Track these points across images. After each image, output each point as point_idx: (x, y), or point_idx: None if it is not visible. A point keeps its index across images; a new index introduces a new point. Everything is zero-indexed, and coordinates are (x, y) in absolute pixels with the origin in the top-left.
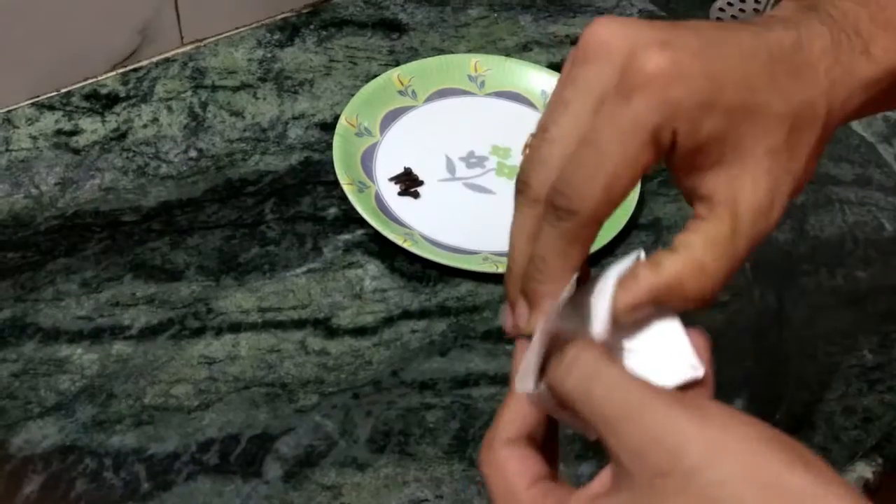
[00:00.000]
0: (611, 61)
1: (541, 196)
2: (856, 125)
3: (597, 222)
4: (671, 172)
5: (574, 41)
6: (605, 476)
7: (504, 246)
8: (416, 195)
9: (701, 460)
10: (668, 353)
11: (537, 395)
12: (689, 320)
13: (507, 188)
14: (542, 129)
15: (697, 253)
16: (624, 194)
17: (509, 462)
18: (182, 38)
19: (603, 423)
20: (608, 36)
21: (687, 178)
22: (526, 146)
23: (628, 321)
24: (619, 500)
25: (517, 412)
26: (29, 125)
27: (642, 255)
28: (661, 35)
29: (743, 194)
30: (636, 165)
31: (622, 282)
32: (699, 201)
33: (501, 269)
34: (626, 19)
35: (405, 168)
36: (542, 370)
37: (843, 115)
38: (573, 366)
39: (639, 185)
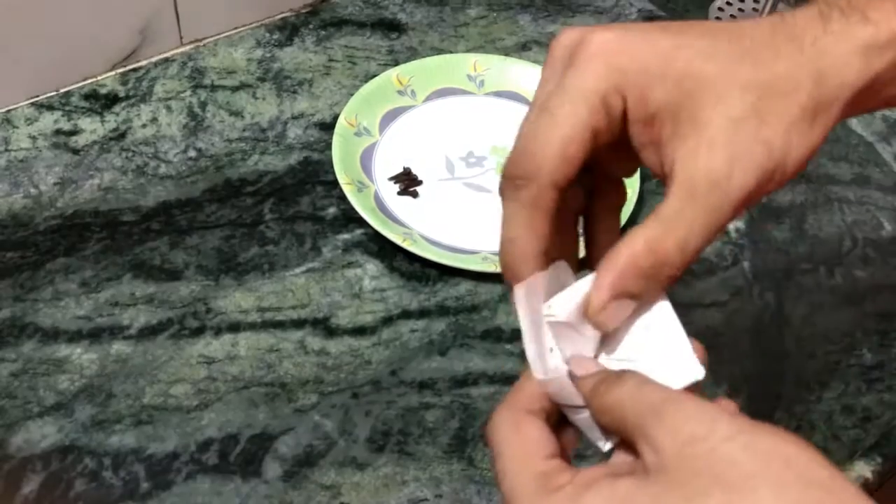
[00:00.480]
0: (566, 51)
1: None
2: (854, 124)
3: (555, 187)
4: (636, 151)
5: None
6: (621, 461)
7: None
8: (415, 195)
9: (729, 432)
10: (669, 355)
11: (548, 382)
12: (688, 319)
13: None
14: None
15: (648, 230)
16: (578, 158)
17: (530, 429)
18: (181, 38)
19: (633, 424)
20: (566, 37)
21: (648, 153)
22: None
23: (608, 311)
24: (647, 483)
25: (538, 390)
26: (28, 125)
27: None
28: (613, 26)
29: (696, 163)
30: (587, 128)
31: (599, 266)
32: (662, 177)
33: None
34: (588, 26)
35: (404, 168)
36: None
37: (846, 84)
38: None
39: (638, 184)
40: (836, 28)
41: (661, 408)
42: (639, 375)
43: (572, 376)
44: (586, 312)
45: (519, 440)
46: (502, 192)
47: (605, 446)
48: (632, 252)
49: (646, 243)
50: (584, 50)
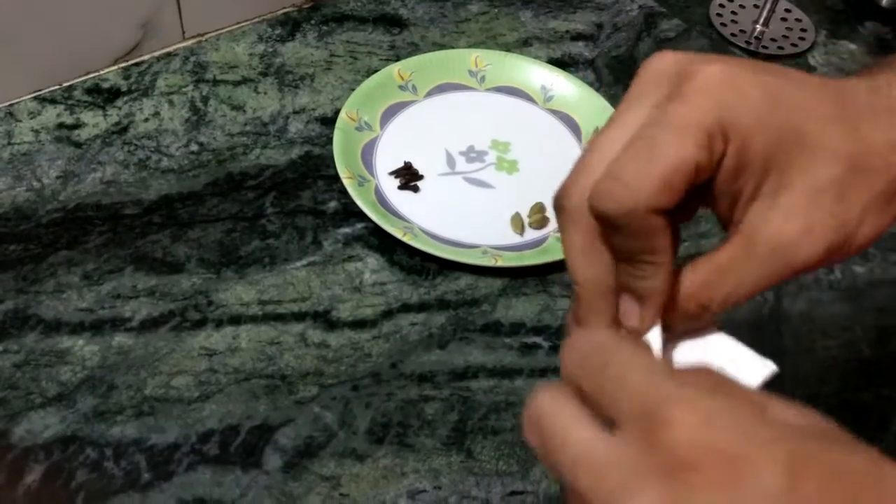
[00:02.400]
0: (667, 76)
1: (582, 204)
2: None
3: (653, 215)
4: (713, 197)
5: (574, 36)
6: None
7: (502, 239)
8: (415, 189)
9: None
10: (737, 360)
11: None
12: None
13: (506, 182)
14: (588, 146)
15: (699, 274)
16: (680, 192)
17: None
18: (183, 32)
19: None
20: (661, 62)
21: (723, 201)
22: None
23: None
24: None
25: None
26: (31, 119)
27: None
28: (716, 58)
29: (768, 226)
30: (690, 164)
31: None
32: (726, 223)
33: (500, 263)
34: (684, 52)
35: (405, 162)
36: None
37: None
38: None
39: None
40: None
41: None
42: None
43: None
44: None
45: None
46: (569, 216)
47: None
48: (681, 290)
49: (693, 285)
50: (691, 81)
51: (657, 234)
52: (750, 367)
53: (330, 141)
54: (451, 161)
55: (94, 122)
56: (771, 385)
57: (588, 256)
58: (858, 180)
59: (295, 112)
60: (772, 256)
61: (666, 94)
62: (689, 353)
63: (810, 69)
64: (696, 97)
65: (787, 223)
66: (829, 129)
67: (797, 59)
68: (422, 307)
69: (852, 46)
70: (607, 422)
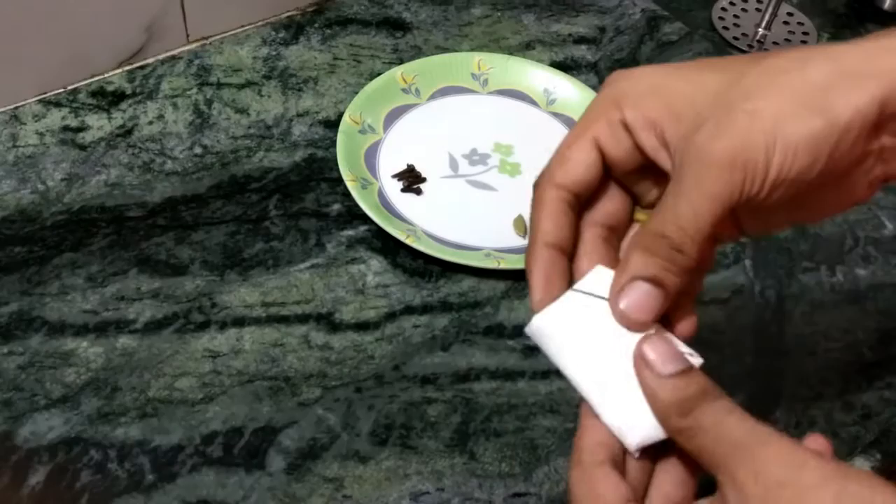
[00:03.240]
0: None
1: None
2: None
3: (554, 189)
4: (651, 156)
5: (577, 40)
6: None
7: (504, 241)
8: (418, 192)
9: (818, 479)
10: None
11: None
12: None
13: (509, 185)
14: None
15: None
16: (579, 166)
17: (602, 484)
18: (188, 35)
19: (714, 456)
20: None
21: (661, 156)
22: None
23: None
24: None
25: (601, 437)
26: (36, 121)
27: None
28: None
29: (683, 147)
30: (588, 140)
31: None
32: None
33: (503, 266)
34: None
35: (408, 165)
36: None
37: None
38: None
39: None
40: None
41: (745, 445)
42: (723, 401)
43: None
44: (610, 300)
45: (592, 493)
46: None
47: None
48: (632, 251)
49: (644, 226)
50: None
51: (564, 209)
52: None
53: (333, 144)
54: (453, 164)
55: (99, 124)
56: (773, 384)
57: (547, 213)
58: (763, 92)
59: (298, 115)
60: (692, 166)
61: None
62: (627, 341)
63: None
64: (601, 93)
65: (697, 136)
66: (733, 69)
67: None
68: (425, 309)
69: None
70: None
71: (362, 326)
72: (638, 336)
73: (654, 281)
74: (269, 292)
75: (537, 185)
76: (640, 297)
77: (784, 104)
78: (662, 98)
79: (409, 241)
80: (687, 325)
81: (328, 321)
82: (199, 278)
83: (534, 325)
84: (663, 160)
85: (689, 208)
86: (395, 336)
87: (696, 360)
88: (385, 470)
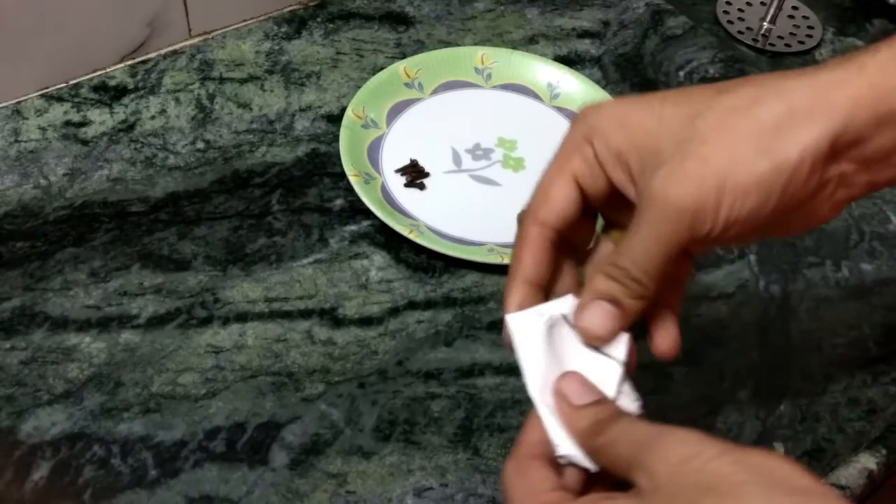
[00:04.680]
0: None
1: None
2: None
3: (537, 227)
4: (621, 188)
5: (581, 34)
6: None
7: (508, 237)
8: (421, 187)
9: (719, 451)
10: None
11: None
12: (694, 312)
13: (512, 180)
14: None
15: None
16: (558, 204)
17: (533, 471)
18: (190, 30)
19: (627, 458)
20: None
21: (629, 190)
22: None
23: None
24: (642, 500)
25: (542, 436)
26: (38, 116)
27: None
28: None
29: (646, 190)
30: (565, 178)
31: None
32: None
33: (506, 261)
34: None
35: (411, 160)
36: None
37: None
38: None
39: None
40: (827, 66)
41: (652, 439)
42: (631, 417)
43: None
44: (574, 316)
45: (524, 482)
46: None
47: (594, 467)
48: (596, 273)
49: (609, 255)
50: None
51: (545, 244)
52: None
53: (336, 138)
54: (457, 159)
55: (101, 119)
56: (778, 379)
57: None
58: (717, 135)
59: (301, 110)
60: (647, 209)
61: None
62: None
63: None
64: (571, 130)
65: (666, 184)
66: (696, 106)
67: (804, 57)
68: (428, 305)
69: (860, 44)
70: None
71: (365, 322)
72: (593, 356)
73: (612, 301)
74: (272, 287)
75: (521, 221)
76: (600, 315)
77: (734, 148)
78: (628, 132)
79: (412, 237)
80: (666, 339)
81: (331, 316)
82: (202, 273)
83: (508, 321)
84: (631, 194)
85: (642, 248)
86: (399, 331)
87: (634, 405)
88: (388, 465)
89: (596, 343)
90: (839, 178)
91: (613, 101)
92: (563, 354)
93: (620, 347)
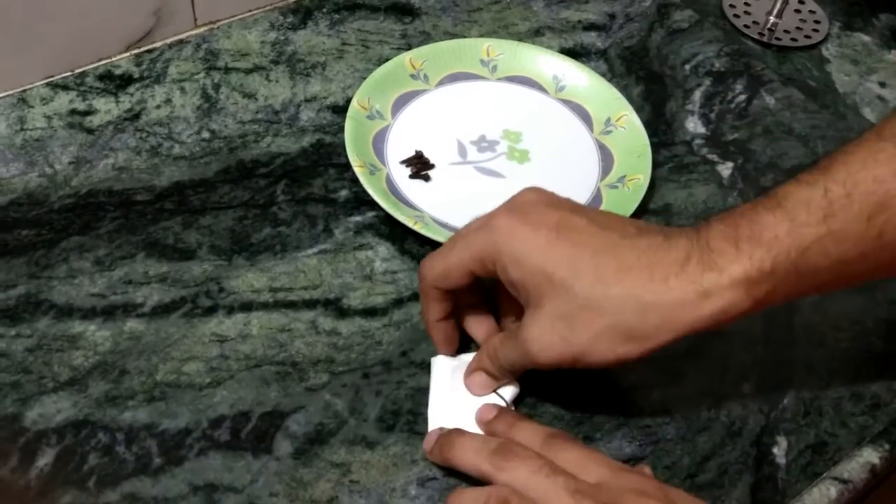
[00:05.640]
0: (484, 219)
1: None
2: (868, 112)
3: (436, 290)
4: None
5: (587, 27)
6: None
7: None
8: (426, 178)
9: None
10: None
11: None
12: None
13: (517, 172)
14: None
15: (494, 341)
16: (456, 280)
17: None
18: (196, 19)
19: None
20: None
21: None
22: None
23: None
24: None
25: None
26: (43, 105)
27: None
28: (517, 217)
29: (525, 331)
30: (464, 268)
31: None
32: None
33: None
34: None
35: (416, 151)
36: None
37: (679, 325)
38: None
39: (650, 171)
40: (688, 272)
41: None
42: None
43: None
44: (464, 377)
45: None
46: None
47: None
48: (483, 350)
49: (487, 348)
50: (492, 220)
51: (444, 300)
52: (505, 386)
53: (341, 129)
54: (462, 150)
55: (107, 108)
56: (782, 374)
57: (433, 303)
58: (586, 316)
59: (306, 100)
60: (522, 351)
61: (480, 224)
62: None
63: (823, 61)
64: (483, 232)
65: (533, 333)
66: (576, 278)
67: (810, 52)
68: None
69: (866, 38)
70: None
71: (370, 312)
72: (479, 402)
73: (489, 373)
74: (277, 277)
75: (423, 280)
76: (479, 379)
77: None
78: (524, 266)
79: (416, 228)
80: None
81: (336, 307)
82: (207, 263)
83: (435, 360)
84: (516, 295)
85: (514, 358)
86: (403, 322)
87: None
88: (392, 455)
89: (477, 394)
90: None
91: (524, 229)
92: (464, 387)
93: (509, 390)
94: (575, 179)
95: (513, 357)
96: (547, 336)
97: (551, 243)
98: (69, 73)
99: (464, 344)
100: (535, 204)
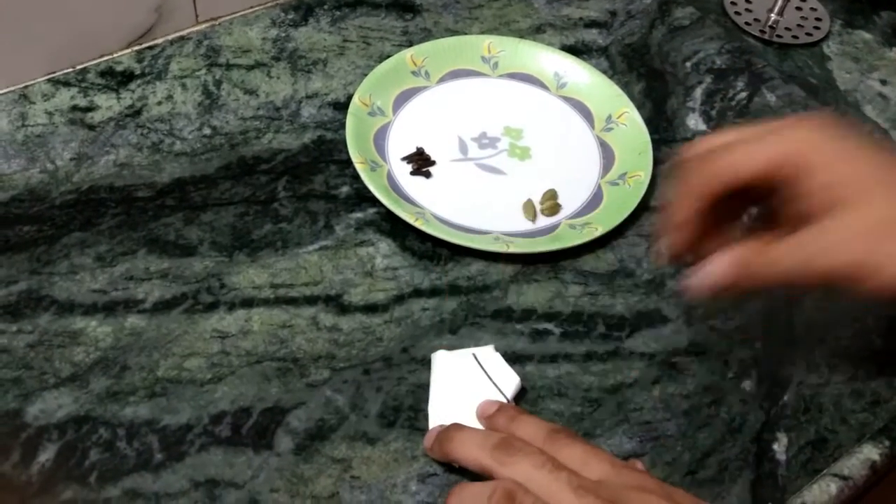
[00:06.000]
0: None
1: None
2: (869, 110)
3: (703, 189)
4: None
5: (588, 24)
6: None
7: (513, 225)
8: (427, 175)
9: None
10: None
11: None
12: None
13: (518, 169)
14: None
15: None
16: (740, 178)
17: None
18: (197, 16)
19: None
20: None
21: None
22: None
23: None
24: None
25: None
26: (45, 101)
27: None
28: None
29: (819, 236)
30: (755, 169)
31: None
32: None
33: (512, 249)
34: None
35: (417, 148)
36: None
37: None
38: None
39: (651, 168)
40: None
41: None
42: None
43: None
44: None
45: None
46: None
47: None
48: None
49: (743, 254)
50: (788, 129)
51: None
52: (506, 381)
53: (342, 126)
54: (463, 147)
55: (108, 104)
56: (782, 370)
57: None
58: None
59: (308, 97)
60: (808, 254)
61: (769, 128)
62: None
63: (825, 59)
64: (784, 137)
65: (831, 238)
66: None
67: (812, 49)
68: (433, 292)
69: (868, 36)
70: None
71: (371, 309)
72: (488, 386)
73: (742, 262)
74: (278, 274)
75: (698, 175)
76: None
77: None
78: (834, 170)
79: (417, 224)
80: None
81: (337, 303)
82: (208, 259)
83: (435, 356)
84: (806, 207)
85: (790, 263)
86: (404, 318)
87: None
88: (393, 451)
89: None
90: None
91: (828, 139)
92: (465, 383)
93: (511, 386)
94: (576, 176)
95: (787, 262)
96: (849, 241)
97: (863, 151)
98: (70, 70)
99: (462, 341)
100: (827, 125)
